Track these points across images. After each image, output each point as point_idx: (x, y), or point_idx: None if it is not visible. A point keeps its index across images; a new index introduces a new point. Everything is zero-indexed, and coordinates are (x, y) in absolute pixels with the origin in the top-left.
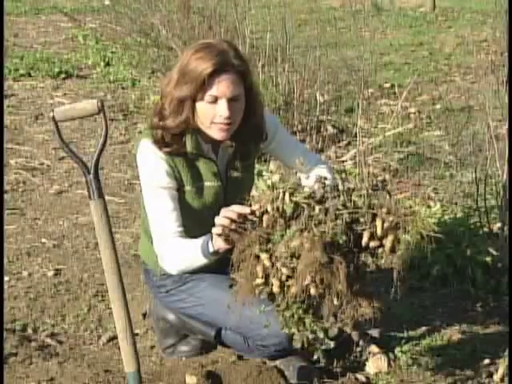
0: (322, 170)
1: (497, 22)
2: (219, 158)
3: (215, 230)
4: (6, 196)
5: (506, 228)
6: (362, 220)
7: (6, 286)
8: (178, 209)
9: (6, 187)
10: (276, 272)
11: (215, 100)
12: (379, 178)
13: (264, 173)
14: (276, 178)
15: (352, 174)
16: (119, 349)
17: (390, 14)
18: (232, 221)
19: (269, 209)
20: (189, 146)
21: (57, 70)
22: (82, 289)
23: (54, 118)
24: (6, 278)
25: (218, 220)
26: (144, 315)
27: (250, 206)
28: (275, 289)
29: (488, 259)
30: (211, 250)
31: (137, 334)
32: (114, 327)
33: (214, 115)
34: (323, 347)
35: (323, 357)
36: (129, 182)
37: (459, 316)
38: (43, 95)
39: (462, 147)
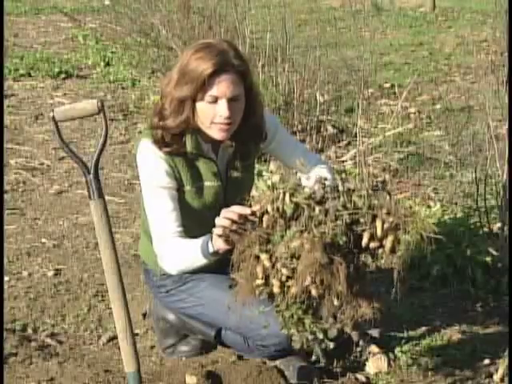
0: (322, 171)
1: (497, 22)
2: (219, 158)
3: (216, 231)
4: (6, 196)
5: (505, 228)
6: (362, 221)
7: (6, 286)
8: (177, 209)
9: (6, 187)
10: (276, 273)
11: (215, 100)
12: (379, 179)
13: (264, 173)
14: (276, 178)
15: (352, 174)
16: (119, 349)
17: (390, 14)
18: (233, 222)
19: (269, 209)
20: (189, 146)
21: (57, 69)
22: (82, 289)
23: (53, 117)
24: (6, 278)
25: (219, 221)
26: (144, 315)
27: (250, 206)
28: (275, 289)
29: (488, 259)
30: (211, 250)
31: (137, 334)
32: (114, 327)
33: (214, 115)
34: (322, 346)
35: (323, 357)
36: (129, 182)
37: (459, 316)
38: (43, 95)
39: (462, 147)
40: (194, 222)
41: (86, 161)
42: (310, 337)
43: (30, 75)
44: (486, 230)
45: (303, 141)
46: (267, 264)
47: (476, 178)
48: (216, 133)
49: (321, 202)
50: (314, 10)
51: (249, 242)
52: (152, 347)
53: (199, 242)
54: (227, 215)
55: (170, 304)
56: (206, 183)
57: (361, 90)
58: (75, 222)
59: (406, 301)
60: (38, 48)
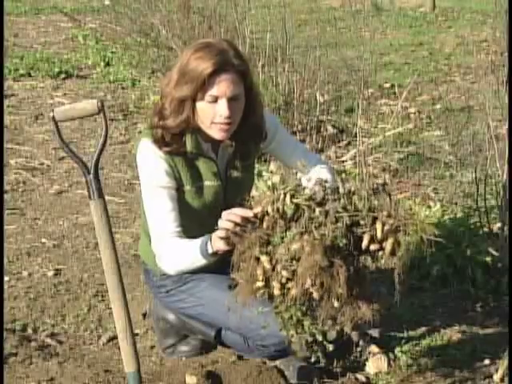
0: (322, 171)
1: (497, 22)
2: (219, 158)
3: (219, 234)
4: (6, 196)
5: (506, 228)
6: (362, 223)
7: (6, 286)
8: (176, 209)
9: (6, 187)
10: (276, 275)
11: (215, 100)
12: (379, 181)
13: (264, 173)
14: (276, 178)
15: (352, 174)
16: (119, 349)
17: (390, 14)
18: (235, 224)
19: (269, 210)
20: (189, 146)
21: (57, 69)
22: (82, 289)
23: (54, 117)
24: (6, 278)
25: (222, 223)
26: (144, 315)
27: (251, 206)
28: (276, 291)
29: (488, 259)
30: (210, 251)
31: (137, 334)
32: (114, 327)
33: (214, 115)
34: (322, 348)
35: (323, 357)
36: (129, 182)
37: (459, 316)
38: (43, 95)
39: (462, 147)
40: (194, 222)
41: (86, 161)
42: (310, 339)
43: (30, 75)
44: (486, 229)
45: (303, 141)
46: (267, 266)
47: (476, 178)
48: (216, 133)
49: (321, 203)
50: (314, 9)
51: (249, 243)
52: (152, 347)
53: (198, 242)
54: (230, 218)
55: (170, 304)
56: (206, 183)
57: (361, 90)
58: (75, 222)
59: (405, 301)
60: (38, 48)
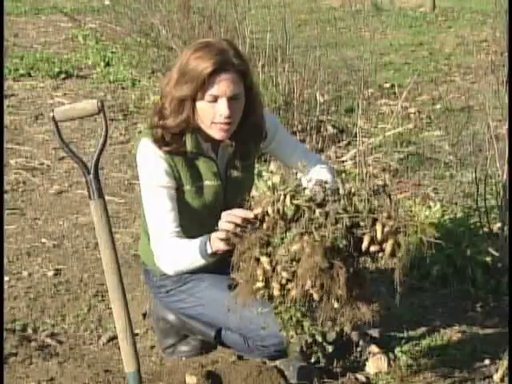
0: (322, 171)
1: (497, 22)
2: (219, 158)
3: (219, 235)
4: (6, 196)
5: (506, 228)
6: (362, 224)
7: (6, 286)
8: (176, 209)
9: (6, 187)
10: (276, 276)
11: (215, 99)
12: (380, 183)
13: (264, 173)
14: (276, 178)
15: (352, 174)
16: (119, 349)
17: (390, 14)
18: (236, 225)
19: (269, 211)
20: (189, 145)
21: (57, 69)
22: (82, 289)
23: (54, 117)
24: (6, 278)
25: (222, 225)
26: (144, 315)
27: (251, 206)
28: (276, 292)
29: (488, 259)
30: (209, 251)
31: (137, 334)
32: (114, 327)
33: (214, 114)
34: (321, 349)
35: (323, 357)
36: (129, 182)
37: (459, 316)
38: (43, 95)
39: (462, 147)
40: (194, 222)
41: (86, 161)
42: (309, 339)
43: (29, 75)
44: (486, 229)
45: (303, 141)
46: (267, 267)
47: (476, 178)
48: (216, 132)
49: (321, 204)
50: (314, 9)
51: (249, 243)
52: (152, 347)
53: (197, 242)
54: (230, 219)
55: (170, 304)
56: (206, 182)
57: (361, 90)
58: (75, 222)
59: (405, 301)
60: (38, 48)
